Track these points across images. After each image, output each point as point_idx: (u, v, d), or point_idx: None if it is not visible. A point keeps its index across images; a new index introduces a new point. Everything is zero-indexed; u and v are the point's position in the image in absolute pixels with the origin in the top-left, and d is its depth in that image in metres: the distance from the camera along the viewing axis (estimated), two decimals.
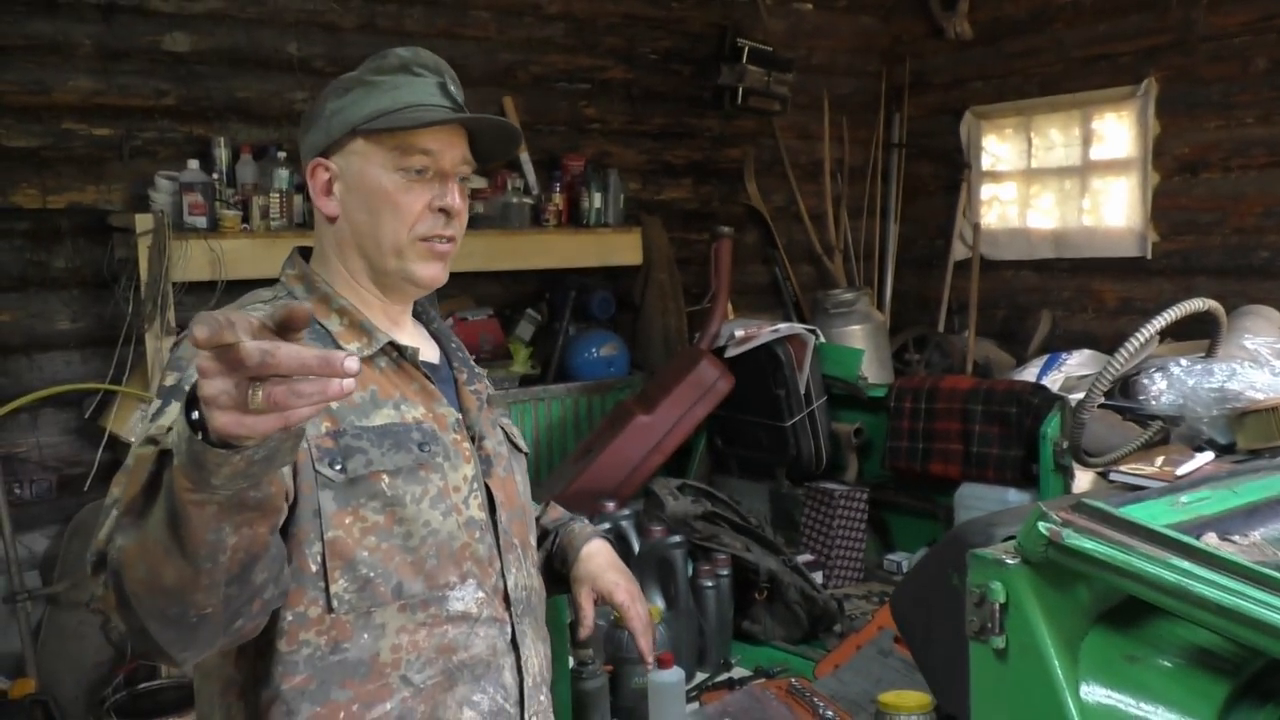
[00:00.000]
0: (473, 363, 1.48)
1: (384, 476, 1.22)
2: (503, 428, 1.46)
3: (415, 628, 1.22)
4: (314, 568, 1.18)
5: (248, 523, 0.94)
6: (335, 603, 1.18)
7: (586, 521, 1.65)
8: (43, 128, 3.65)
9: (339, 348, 1.26)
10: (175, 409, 1.09)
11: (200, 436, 0.85)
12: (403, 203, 1.30)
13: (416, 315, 1.45)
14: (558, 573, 1.58)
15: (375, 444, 1.23)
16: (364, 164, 1.31)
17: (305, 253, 1.39)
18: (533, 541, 1.47)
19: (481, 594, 1.29)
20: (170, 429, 0.96)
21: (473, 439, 1.36)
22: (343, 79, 1.35)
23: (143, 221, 3.44)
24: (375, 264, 1.33)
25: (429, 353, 1.41)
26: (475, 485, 1.32)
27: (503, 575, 1.33)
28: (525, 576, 1.39)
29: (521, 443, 1.50)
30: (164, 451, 0.96)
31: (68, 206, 3.70)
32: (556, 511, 1.68)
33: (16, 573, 3.39)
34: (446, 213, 1.32)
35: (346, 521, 1.20)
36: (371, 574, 1.20)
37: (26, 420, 3.65)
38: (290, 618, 1.18)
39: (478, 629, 1.28)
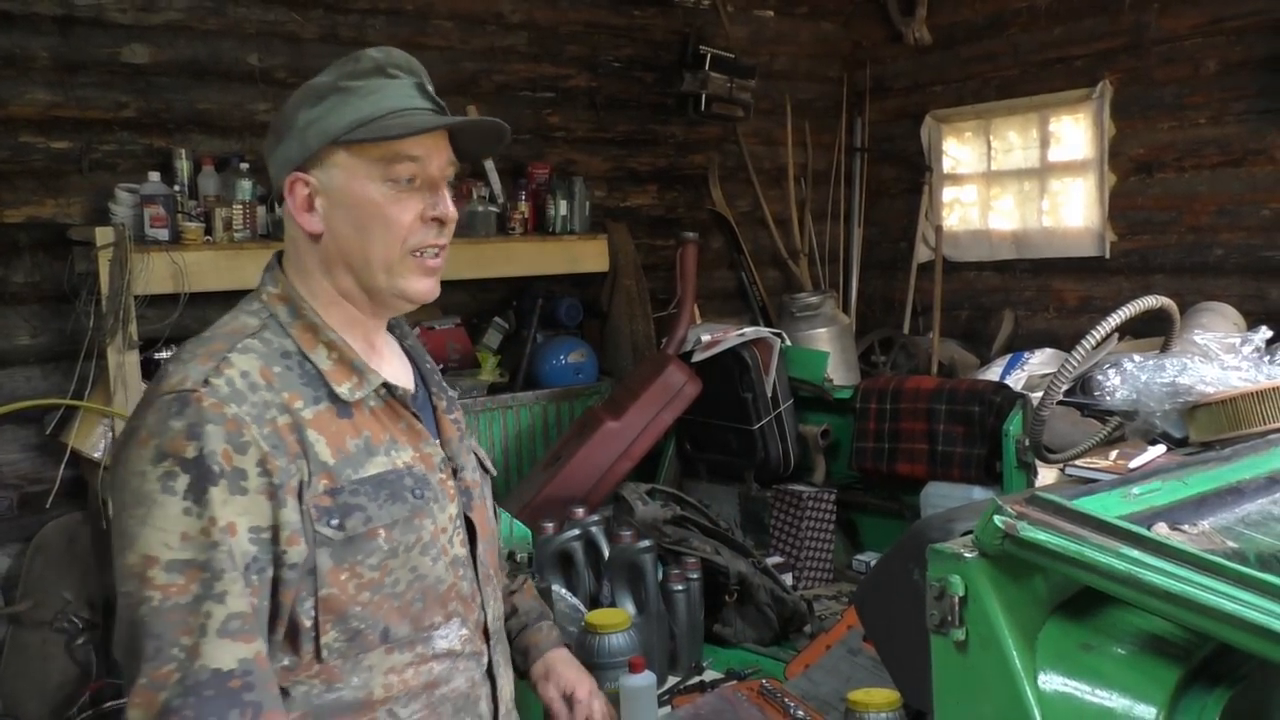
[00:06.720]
0: (444, 383, 1.45)
1: (381, 531, 1.22)
2: (474, 452, 1.44)
3: (403, 667, 1.24)
4: (307, 623, 1.18)
5: None
6: (325, 652, 1.19)
7: (554, 623, 1.64)
8: None
9: (329, 387, 1.23)
10: (219, 492, 1.11)
11: None
12: (393, 215, 1.25)
13: (390, 329, 1.40)
14: (515, 665, 1.57)
15: (372, 497, 1.22)
16: (348, 177, 1.25)
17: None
18: (504, 569, 1.54)
19: (465, 631, 1.31)
20: None
21: (454, 472, 1.35)
22: (314, 85, 1.27)
23: (103, 234, 3.40)
24: (365, 281, 1.28)
25: (405, 377, 1.37)
26: (459, 522, 1.33)
27: (484, 609, 1.36)
28: (498, 605, 1.43)
29: (490, 465, 1.49)
30: None
31: (26, 220, 3.65)
32: (530, 595, 1.66)
33: None
34: (439, 221, 1.28)
35: (342, 579, 1.19)
36: (362, 626, 1.21)
37: None
38: (286, 662, 1.19)
39: (459, 664, 1.30)
